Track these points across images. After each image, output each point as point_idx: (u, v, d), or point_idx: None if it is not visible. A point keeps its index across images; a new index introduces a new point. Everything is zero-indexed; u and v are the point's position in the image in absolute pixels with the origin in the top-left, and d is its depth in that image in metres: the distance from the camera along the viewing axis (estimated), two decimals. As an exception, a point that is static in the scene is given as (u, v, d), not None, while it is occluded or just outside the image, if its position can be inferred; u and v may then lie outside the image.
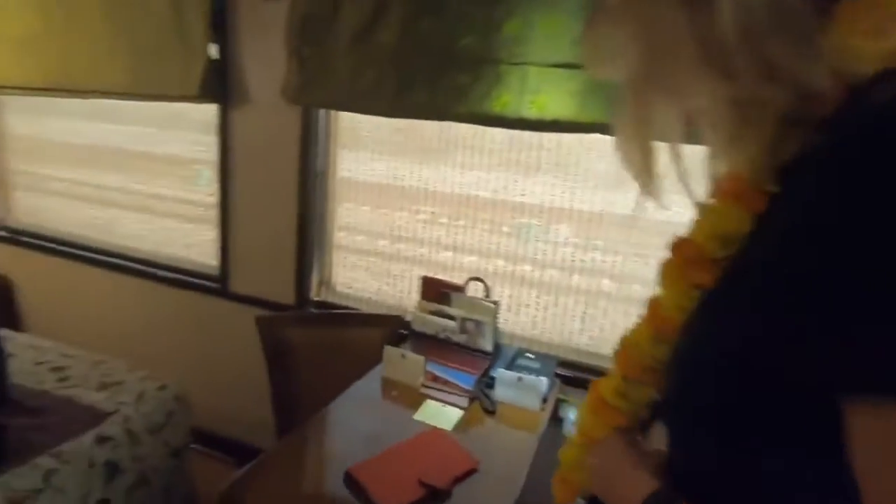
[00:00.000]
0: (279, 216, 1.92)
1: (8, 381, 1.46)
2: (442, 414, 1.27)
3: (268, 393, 1.69)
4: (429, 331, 1.60)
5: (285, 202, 1.89)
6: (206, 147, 2.07)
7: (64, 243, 2.51)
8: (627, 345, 0.57)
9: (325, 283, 2.02)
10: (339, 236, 1.97)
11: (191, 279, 2.21)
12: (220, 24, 1.84)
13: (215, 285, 2.15)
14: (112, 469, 1.34)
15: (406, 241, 1.87)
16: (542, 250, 1.66)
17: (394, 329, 1.70)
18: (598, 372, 1.53)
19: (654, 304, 0.55)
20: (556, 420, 1.35)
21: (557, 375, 1.51)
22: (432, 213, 1.81)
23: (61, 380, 1.58)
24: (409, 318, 1.68)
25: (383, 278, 1.93)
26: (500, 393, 1.34)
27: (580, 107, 1.36)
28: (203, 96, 1.86)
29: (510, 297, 1.70)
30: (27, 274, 2.63)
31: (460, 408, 1.30)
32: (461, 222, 1.76)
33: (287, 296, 1.97)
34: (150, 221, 2.33)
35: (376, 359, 1.45)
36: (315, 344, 1.72)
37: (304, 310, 1.96)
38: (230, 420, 2.20)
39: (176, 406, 1.59)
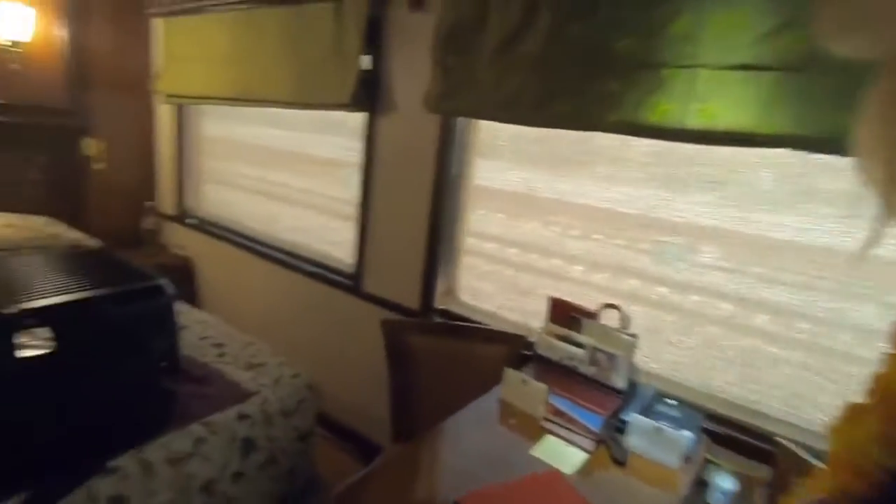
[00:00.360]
0: (412, 221, 1.96)
1: (179, 352, 1.70)
2: (563, 454, 1.15)
3: (388, 393, 1.72)
4: (554, 357, 1.48)
5: (419, 208, 1.92)
6: (354, 151, 2.21)
7: (236, 232, 2.89)
8: (841, 440, 0.42)
9: (451, 291, 2.01)
10: (469, 242, 1.95)
11: (330, 275, 2.37)
12: (374, 37, 1.94)
13: (349, 282, 2.27)
14: (248, 445, 1.46)
15: (537, 252, 1.77)
16: (685, 272, 1.45)
17: (516, 349, 1.62)
18: (758, 434, 1.29)
19: (885, 382, 0.39)
20: (701, 484, 1.14)
21: (704, 431, 1.29)
22: (567, 226, 1.69)
23: (219, 355, 1.78)
24: (533, 339, 1.58)
25: (509, 292, 1.86)
26: (632, 441, 1.17)
27: (762, 116, 1.14)
28: (354, 105, 1.97)
29: (647, 326, 1.51)
30: (206, 256, 3.08)
31: (584, 450, 1.17)
32: (597, 237, 1.62)
33: (412, 300, 2.00)
34: (306, 217, 2.56)
35: (496, 376, 1.38)
36: (436, 353, 1.71)
37: (427, 317, 1.97)
38: (352, 412, 2.31)
39: (307, 394, 1.69)
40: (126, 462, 1.22)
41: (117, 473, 1.19)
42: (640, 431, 1.16)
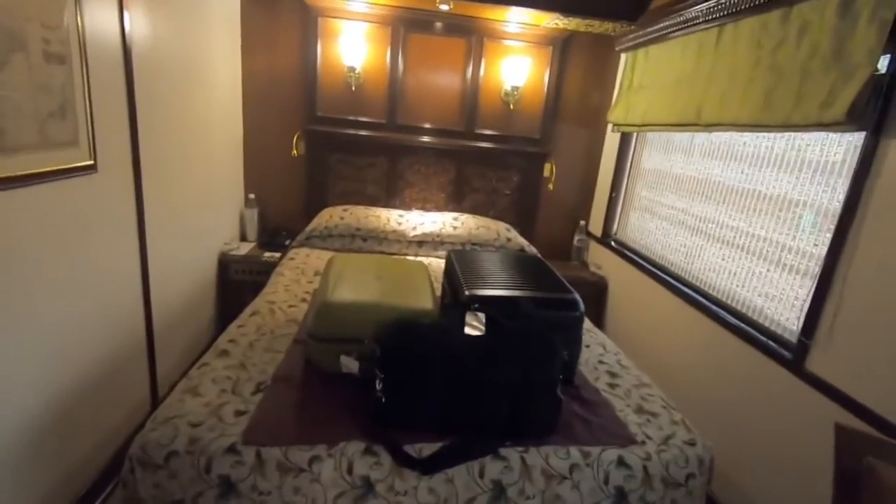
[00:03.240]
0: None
1: (577, 367, 1.73)
2: None
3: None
4: None
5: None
6: (821, 189, 1.68)
7: (653, 262, 2.78)
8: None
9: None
10: None
11: (759, 336, 1.91)
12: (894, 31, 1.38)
13: (787, 354, 1.75)
14: (620, 497, 1.32)
15: None
16: None
17: None
18: None
19: None
20: None
21: None
22: None
23: (611, 385, 1.72)
24: None
25: None
26: None
27: None
28: (849, 122, 1.47)
29: None
30: (620, 280, 3.11)
31: None
32: None
33: (891, 406, 1.34)
34: (733, 258, 2.17)
35: None
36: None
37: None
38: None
39: (699, 470, 1.40)
40: (511, 455, 1.31)
41: (504, 462, 1.29)
42: None
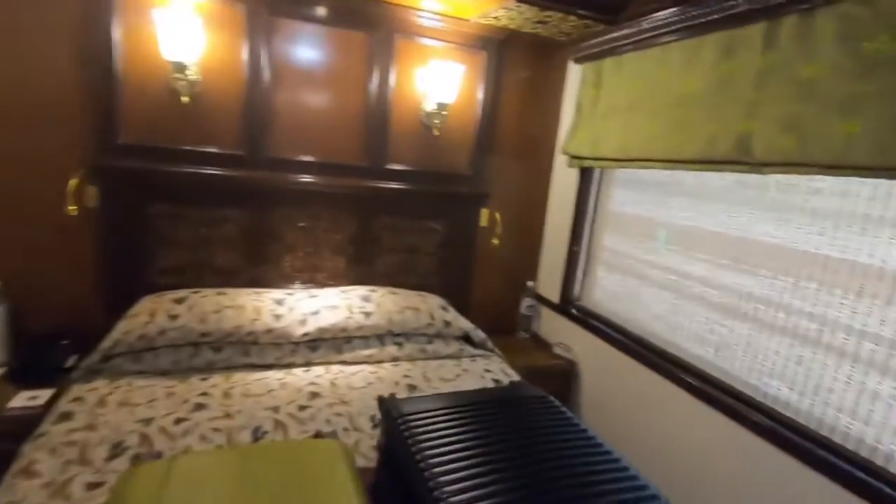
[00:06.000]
0: None
1: None
2: None
3: None
4: None
5: None
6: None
7: (647, 345, 2.02)
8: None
9: None
10: None
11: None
12: None
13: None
14: None
15: None
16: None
17: None
18: None
19: None
20: None
21: None
22: None
23: None
24: None
25: None
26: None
27: None
28: None
29: None
30: (595, 367, 2.30)
31: None
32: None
33: None
34: (794, 349, 1.45)
35: None
36: None
37: None
38: None
39: None
40: None
41: None
42: None
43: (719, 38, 1.64)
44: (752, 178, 1.64)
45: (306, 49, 2.14)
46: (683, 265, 1.91)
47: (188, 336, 1.82)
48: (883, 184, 1.31)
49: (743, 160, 1.53)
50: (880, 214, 1.32)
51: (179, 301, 1.92)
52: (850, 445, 1.35)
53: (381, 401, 1.21)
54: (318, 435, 1.29)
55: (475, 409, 1.16)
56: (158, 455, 1.30)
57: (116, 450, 1.34)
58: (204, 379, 1.76)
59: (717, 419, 1.67)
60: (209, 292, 2.01)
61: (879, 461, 1.28)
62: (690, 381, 1.79)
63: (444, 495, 0.82)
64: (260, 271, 2.23)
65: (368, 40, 2.20)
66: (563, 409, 1.22)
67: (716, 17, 1.62)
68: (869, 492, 1.25)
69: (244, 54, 2.04)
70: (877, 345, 1.31)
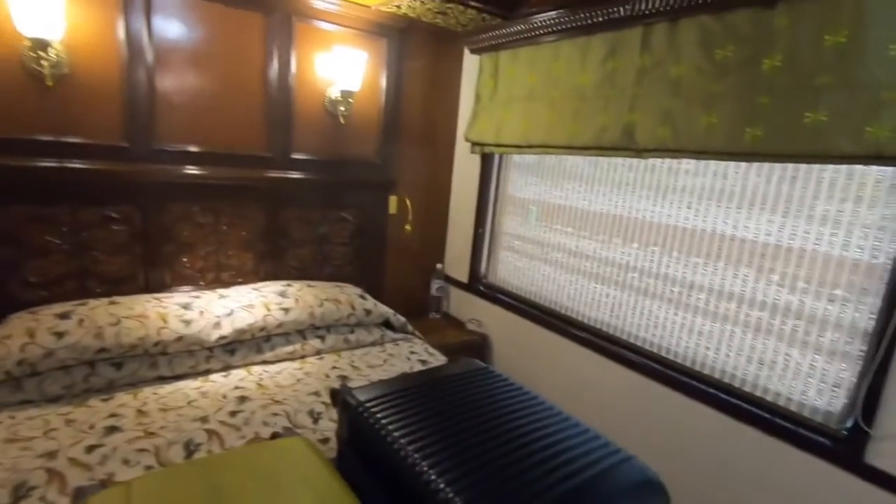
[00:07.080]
0: None
1: None
2: None
3: None
4: None
5: None
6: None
7: (550, 312, 2.26)
8: None
9: None
10: None
11: (771, 417, 1.51)
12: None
13: (827, 443, 1.39)
14: None
15: None
16: None
17: None
18: None
19: None
20: None
21: None
22: None
23: None
24: None
25: None
26: None
27: None
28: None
29: None
30: (505, 337, 2.50)
31: None
32: None
33: None
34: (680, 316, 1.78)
35: None
36: None
37: None
38: None
39: None
40: None
41: None
42: None
43: (605, 38, 1.86)
44: (635, 161, 1.92)
45: (196, 29, 1.95)
46: (575, 242, 2.16)
47: (82, 354, 1.60)
48: (731, 165, 1.64)
49: (629, 147, 1.78)
50: (731, 190, 1.65)
51: (63, 316, 1.68)
52: (704, 370, 1.69)
53: (335, 392, 1.22)
54: (275, 436, 1.26)
55: (429, 387, 1.23)
56: (81, 491, 1.17)
57: (20, 492, 1.17)
58: (106, 400, 1.58)
59: (612, 367, 1.96)
60: (98, 303, 1.78)
61: (706, 371, 1.63)
62: (589, 338, 2.05)
63: (432, 475, 0.88)
64: (155, 275, 2.02)
65: (266, 22, 2.07)
66: (509, 378, 1.35)
67: (600, 20, 1.84)
68: (699, 394, 1.60)
69: (120, 32, 1.80)
70: (729, 302, 1.65)
